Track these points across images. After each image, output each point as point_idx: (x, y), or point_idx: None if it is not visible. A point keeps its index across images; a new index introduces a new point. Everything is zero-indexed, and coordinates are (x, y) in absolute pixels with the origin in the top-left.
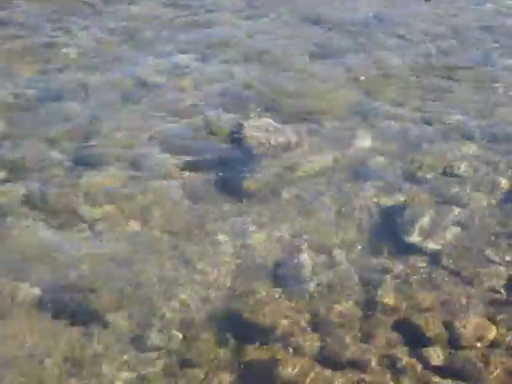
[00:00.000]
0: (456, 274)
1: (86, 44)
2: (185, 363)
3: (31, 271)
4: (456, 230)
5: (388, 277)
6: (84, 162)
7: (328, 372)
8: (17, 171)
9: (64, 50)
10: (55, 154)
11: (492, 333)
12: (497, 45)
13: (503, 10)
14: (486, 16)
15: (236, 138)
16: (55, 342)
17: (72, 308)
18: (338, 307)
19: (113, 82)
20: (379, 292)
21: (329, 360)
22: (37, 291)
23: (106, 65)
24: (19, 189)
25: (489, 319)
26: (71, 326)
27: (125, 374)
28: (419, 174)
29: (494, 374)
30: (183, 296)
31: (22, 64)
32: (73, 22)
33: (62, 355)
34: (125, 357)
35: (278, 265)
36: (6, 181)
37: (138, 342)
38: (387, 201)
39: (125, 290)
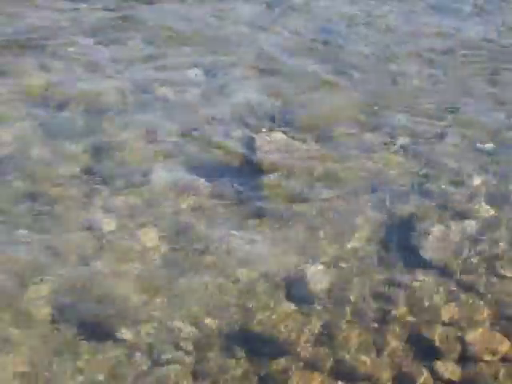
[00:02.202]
0: (468, 287)
1: None
2: (197, 377)
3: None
4: (468, 243)
5: (400, 290)
6: None
7: None
8: None
9: None
10: None
11: (504, 346)
12: None
13: None
14: None
15: (248, 152)
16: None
17: (84, 322)
18: (350, 321)
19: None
20: (391, 306)
21: (341, 374)
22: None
23: None
24: None
25: (501, 333)
26: (83, 340)
27: None
28: (431, 186)
29: None
30: (195, 310)
31: None
32: None
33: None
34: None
35: (290, 279)
36: None
37: (150, 356)
38: (399, 213)
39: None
